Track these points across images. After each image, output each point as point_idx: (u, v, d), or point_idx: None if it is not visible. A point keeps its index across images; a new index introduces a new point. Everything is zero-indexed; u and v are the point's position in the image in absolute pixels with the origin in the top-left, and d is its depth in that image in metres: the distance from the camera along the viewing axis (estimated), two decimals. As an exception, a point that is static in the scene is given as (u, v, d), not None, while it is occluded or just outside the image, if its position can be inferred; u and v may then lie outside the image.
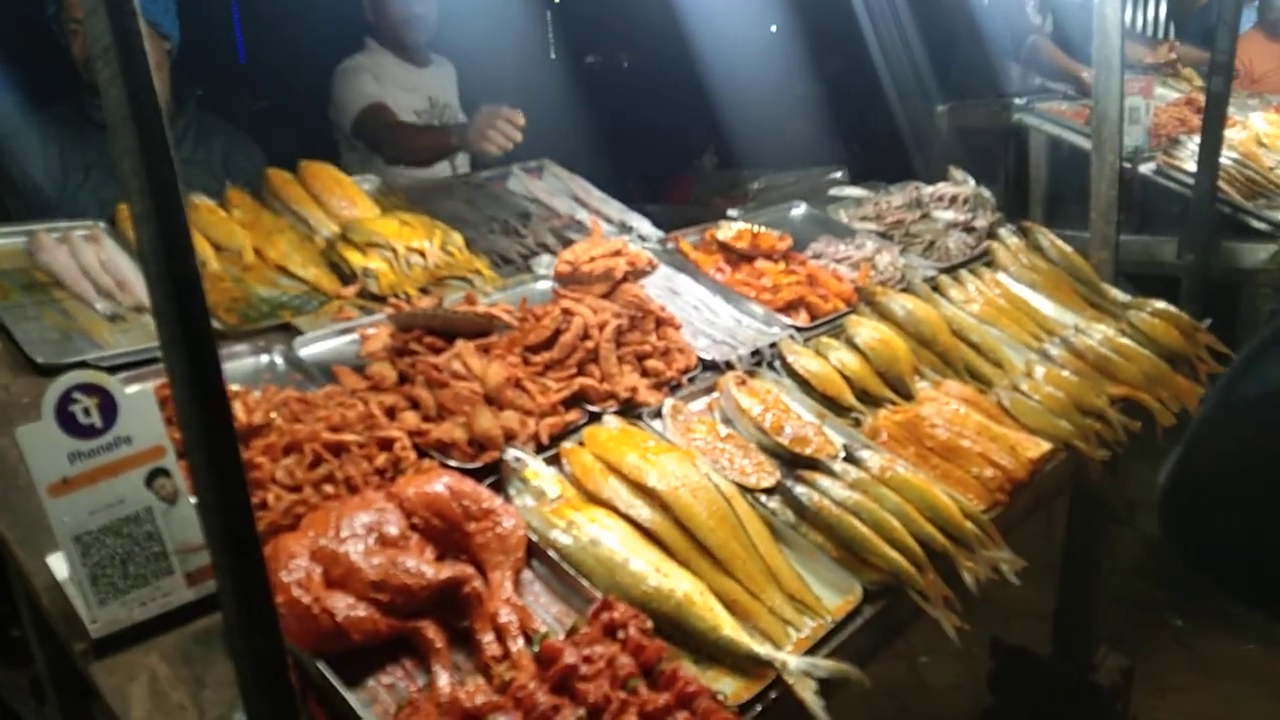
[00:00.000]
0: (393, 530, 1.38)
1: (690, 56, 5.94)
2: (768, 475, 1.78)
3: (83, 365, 1.68)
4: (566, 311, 1.95)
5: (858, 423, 2.05)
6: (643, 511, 1.58)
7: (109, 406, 1.25)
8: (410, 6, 3.33)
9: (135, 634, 1.27)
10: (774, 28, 7.36)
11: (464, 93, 3.64)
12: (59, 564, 1.31)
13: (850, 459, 1.87)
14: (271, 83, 5.10)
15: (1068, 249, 3.01)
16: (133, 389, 1.28)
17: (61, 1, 2.42)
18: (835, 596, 1.59)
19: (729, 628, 1.42)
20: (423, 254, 2.23)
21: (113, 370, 1.69)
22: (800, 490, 1.72)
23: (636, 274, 2.09)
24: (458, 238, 2.36)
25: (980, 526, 1.78)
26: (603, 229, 2.69)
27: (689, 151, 6.79)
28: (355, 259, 2.15)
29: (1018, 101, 4.52)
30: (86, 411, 1.23)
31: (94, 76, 2.39)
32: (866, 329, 2.25)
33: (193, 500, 1.29)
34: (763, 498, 1.73)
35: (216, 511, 1.07)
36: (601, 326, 1.94)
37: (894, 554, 1.62)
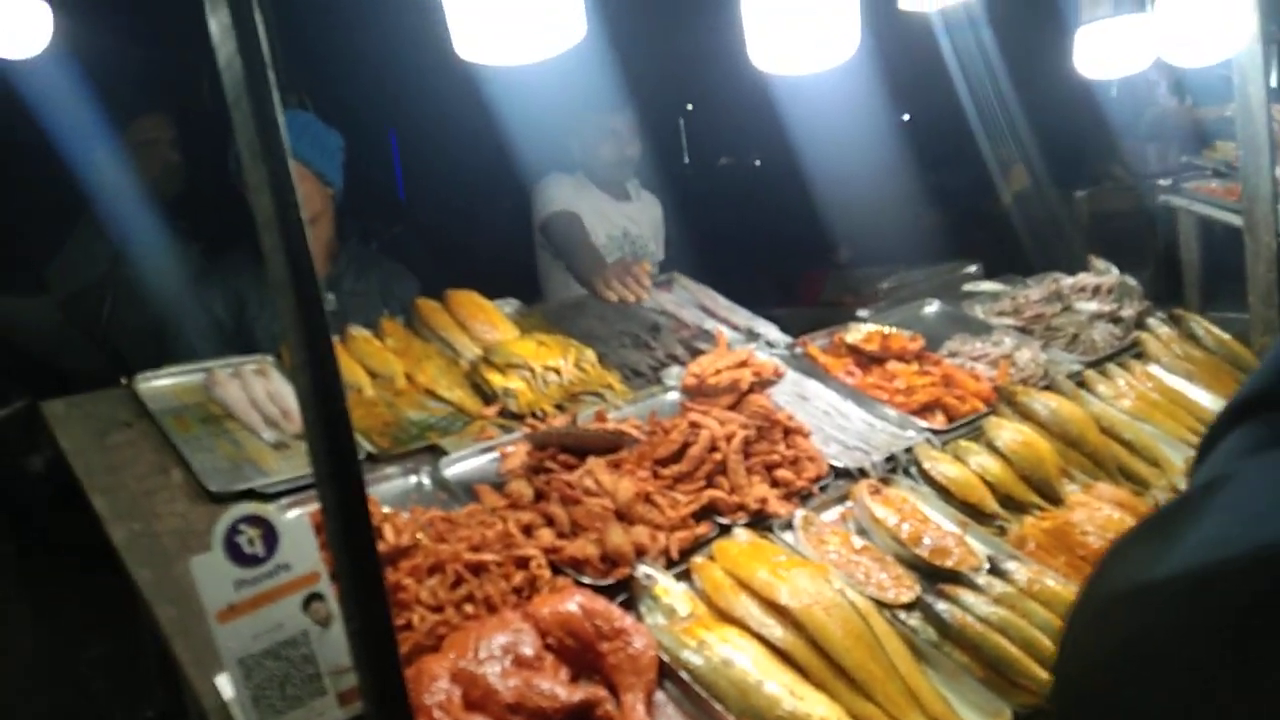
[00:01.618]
0: (528, 651, 1.42)
1: (821, 154, 6.00)
2: (907, 590, 1.73)
3: (250, 493, 1.83)
4: (694, 424, 1.98)
5: (1002, 531, 1.97)
6: (775, 631, 1.56)
7: (270, 536, 1.35)
8: (622, 150, 3.57)
9: (292, 753, 1.34)
10: (906, 117, 7.37)
11: None
12: (225, 685, 1.41)
13: (995, 571, 1.79)
14: (428, 217, 5.49)
15: (1225, 336, 2.84)
16: (293, 513, 1.39)
17: (240, 159, 2.70)
18: (983, 720, 1.51)
19: (869, 755, 1.37)
20: (558, 371, 2.32)
21: (277, 495, 1.84)
22: (942, 606, 1.66)
23: (763, 384, 2.11)
24: (591, 354, 2.45)
25: (1143, 644, 1.66)
26: (729, 337, 2.73)
27: (822, 248, 6.81)
28: (496, 380, 2.26)
29: (1162, 182, 4.34)
30: (250, 542, 1.34)
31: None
32: (1008, 430, 2.18)
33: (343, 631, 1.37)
34: (902, 614, 1.68)
35: (362, 639, 1.14)
36: (729, 438, 1.96)
37: (1045, 674, 1.54)
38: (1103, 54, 2.57)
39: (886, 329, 2.67)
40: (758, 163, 8.29)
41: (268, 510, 1.36)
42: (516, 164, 4.82)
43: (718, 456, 1.93)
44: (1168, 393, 2.56)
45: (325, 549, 1.53)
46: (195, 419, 2.03)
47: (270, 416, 2.05)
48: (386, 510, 1.77)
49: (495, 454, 2.06)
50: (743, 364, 2.14)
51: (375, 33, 4.88)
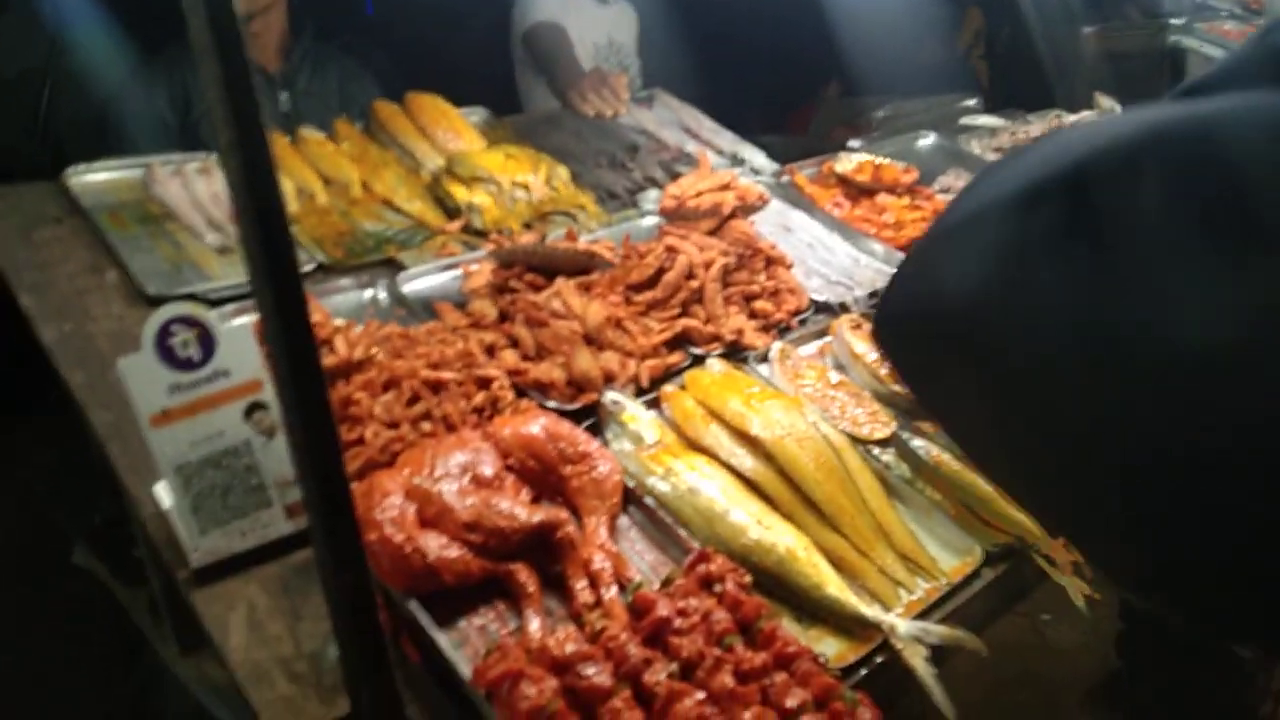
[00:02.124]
0: (488, 471, 1.35)
1: None
2: (882, 426, 1.67)
3: (191, 297, 1.70)
4: (671, 249, 1.87)
5: (982, 371, 1.91)
6: (745, 461, 1.50)
7: (207, 340, 1.24)
8: None
9: (235, 564, 1.28)
10: None
11: None
12: (164, 493, 1.33)
13: (973, 410, 1.73)
14: (398, 36, 5.12)
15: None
16: (238, 321, 1.27)
17: None
18: (952, 558, 1.48)
19: (834, 586, 1.34)
20: (527, 188, 2.18)
21: (220, 302, 1.71)
22: (917, 443, 1.61)
23: (746, 209, 1.99)
24: (563, 172, 2.29)
25: (1116, 488, 1.63)
26: (713, 162, 2.58)
27: (812, 79, 6.50)
28: (460, 193, 2.11)
29: (1174, 21, 4.11)
30: (185, 344, 1.23)
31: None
32: (996, 270, 2.08)
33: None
34: (875, 450, 1.63)
35: (306, 450, 1.05)
36: (707, 265, 1.85)
37: (1019, 514, 1.50)
38: None
39: (878, 159, 2.52)
40: None
41: (202, 312, 1.24)
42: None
43: (694, 284, 1.83)
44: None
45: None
46: (132, 218, 1.88)
47: (214, 219, 1.90)
48: (339, 323, 1.66)
49: (457, 271, 1.94)
50: (725, 187, 2.00)
51: None
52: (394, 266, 1.93)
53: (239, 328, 1.27)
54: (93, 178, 1.95)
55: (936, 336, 0.72)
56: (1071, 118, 2.94)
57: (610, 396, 1.57)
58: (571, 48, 3.13)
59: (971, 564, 1.46)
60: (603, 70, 2.93)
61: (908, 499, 1.56)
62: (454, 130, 2.33)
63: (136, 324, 1.63)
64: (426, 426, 1.46)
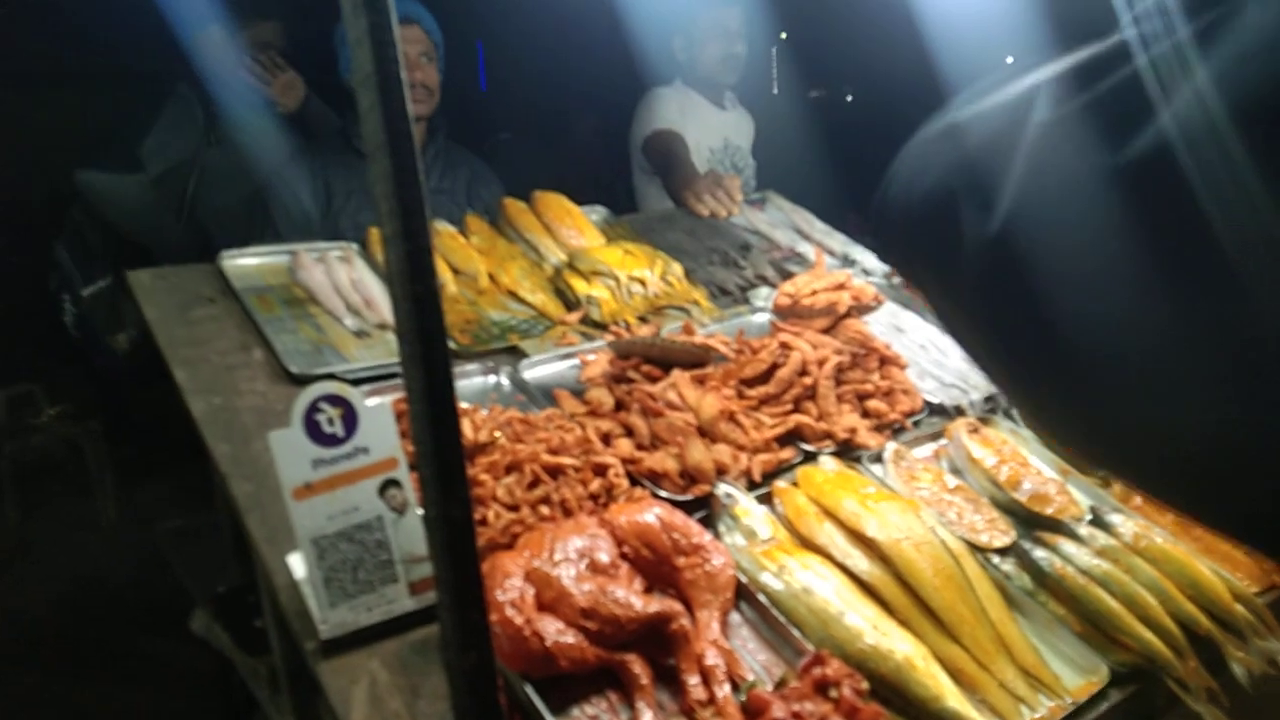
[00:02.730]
0: (604, 557, 1.37)
1: (916, 89, 5.77)
2: (1001, 534, 1.63)
3: (330, 378, 1.80)
4: (785, 345, 1.89)
5: (1106, 483, 1.85)
6: (860, 562, 1.48)
7: (350, 417, 1.32)
8: (731, 47, 3.41)
9: (360, 638, 1.32)
10: (1009, 60, 7.06)
11: None
12: (297, 564, 1.40)
13: (1098, 523, 1.68)
14: (511, 114, 5.42)
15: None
16: (372, 401, 1.34)
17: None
18: (1076, 676, 1.42)
19: (953, 698, 1.30)
20: (644, 283, 2.24)
21: (356, 383, 1.80)
22: (1040, 554, 1.56)
23: (861, 309, 2.00)
24: (677, 268, 2.36)
25: (1254, 611, 1.54)
26: (825, 262, 2.61)
27: None
28: (580, 286, 2.19)
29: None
30: (330, 421, 1.30)
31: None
32: (1118, 379, 2.03)
33: (420, 512, 1.34)
34: (995, 559, 1.59)
35: (442, 524, 1.09)
36: (821, 362, 1.87)
37: (1149, 634, 1.44)
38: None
39: (992, 264, 2.51)
40: (849, 98, 7.99)
41: (349, 391, 1.32)
42: (606, 79, 4.70)
43: (808, 380, 1.84)
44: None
45: (405, 437, 1.50)
46: (278, 300, 2.01)
47: (353, 304, 2.02)
48: (465, 406, 1.73)
49: (575, 360, 2.01)
50: (840, 286, 2.03)
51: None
52: (516, 354, 2.00)
53: (379, 407, 1.34)
54: (244, 262, 2.10)
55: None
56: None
57: (724, 489, 1.59)
58: (688, 152, 3.24)
59: (1097, 684, 1.40)
60: (717, 172, 3.03)
61: (1029, 612, 1.51)
62: (576, 227, 2.43)
63: (279, 400, 1.74)
64: (545, 510, 1.49)
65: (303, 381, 1.78)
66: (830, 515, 1.57)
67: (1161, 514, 1.77)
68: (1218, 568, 1.61)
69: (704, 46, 3.39)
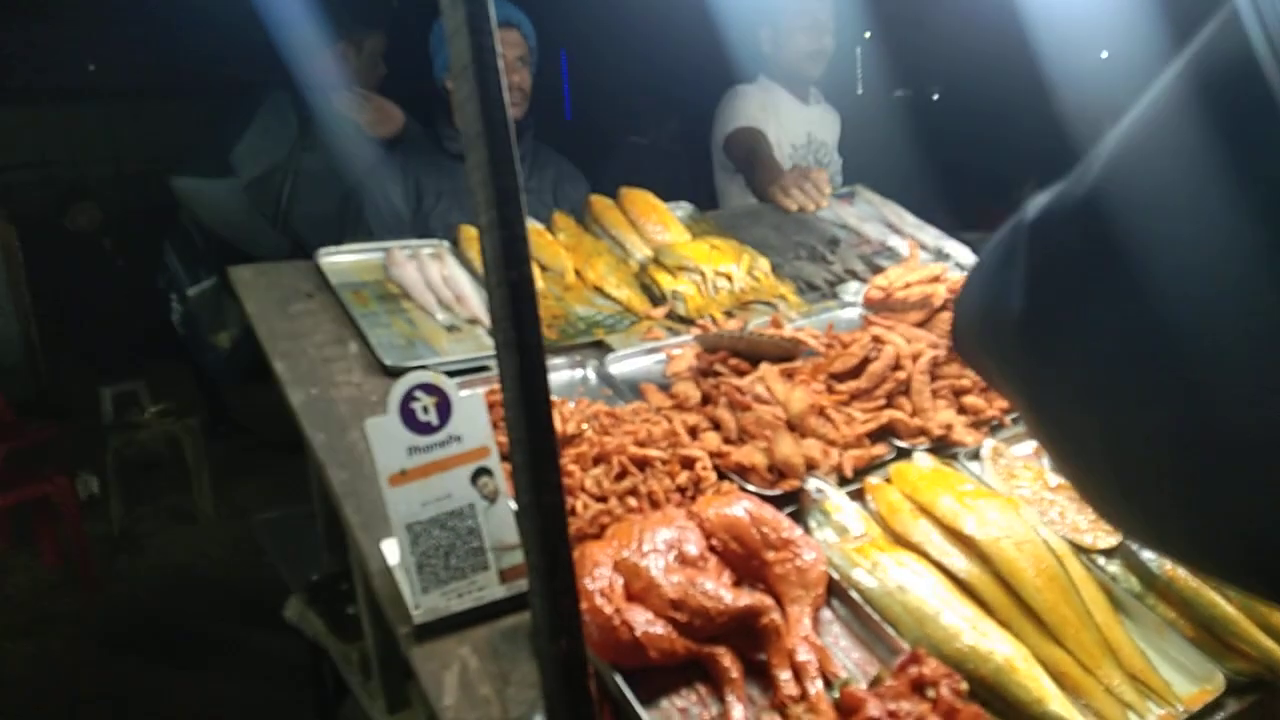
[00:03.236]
0: (692, 550, 1.36)
1: (1004, 88, 5.66)
2: (1106, 535, 1.56)
3: (422, 369, 1.83)
4: (877, 339, 1.85)
5: (1218, 484, 1.76)
6: (958, 561, 1.44)
7: (444, 406, 1.34)
8: (819, 40, 3.37)
9: (451, 624, 1.34)
10: (1104, 54, 6.84)
11: None
12: (391, 550, 1.42)
13: (1210, 525, 1.60)
14: (595, 142, 5.47)
15: None
16: (465, 393, 1.36)
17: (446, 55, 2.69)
18: (1189, 684, 1.35)
19: (1057, 702, 1.25)
20: (729, 278, 2.23)
21: (449, 375, 1.83)
22: (1148, 555, 1.49)
23: (956, 303, 1.94)
24: (764, 263, 2.33)
25: (1388, 623, 1.44)
26: (919, 256, 2.56)
27: (1006, 184, 6.41)
28: (665, 281, 2.19)
29: None
30: (425, 410, 1.32)
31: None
32: (1232, 376, 1.93)
33: (511, 503, 1.35)
34: (1100, 560, 1.52)
35: (534, 512, 1.09)
36: (915, 357, 1.82)
37: (1269, 642, 1.36)
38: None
39: (1093, 258, 2.42)
40: (935, 97, 7.84)
41: (443, 380, 1.34)
42: (687, 79, 4.69)
43: (901, 375, 1.80)
44: None
45: (497, 429, 1.51)
46: (373, 296, 2.05)
47: (444, 299, 2.05)
48: (553, 399, 1.74)
49: (661, 355, 2.00)
50: (935, 280, 1.97)
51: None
52: (603, 349, 2.01)
53: (472, 397, 1.36)
54: (340, 259, 2.16)
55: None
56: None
57: (814, 484, 1.56)
58: (771, 149, 3.21)
59: (1212, 692, 1.33)
60: (803, 166, 2.99)
61: (1137, 616, 1.44)
62: (662, 223, 2.43)
63: (374, 391, 1.78)
64: (632, 502, 1.49)
65: (396, 374, 1.81)
66: (926, 512, 1.52)
67: None
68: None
69: (792, 37, 3.34)
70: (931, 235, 2.64)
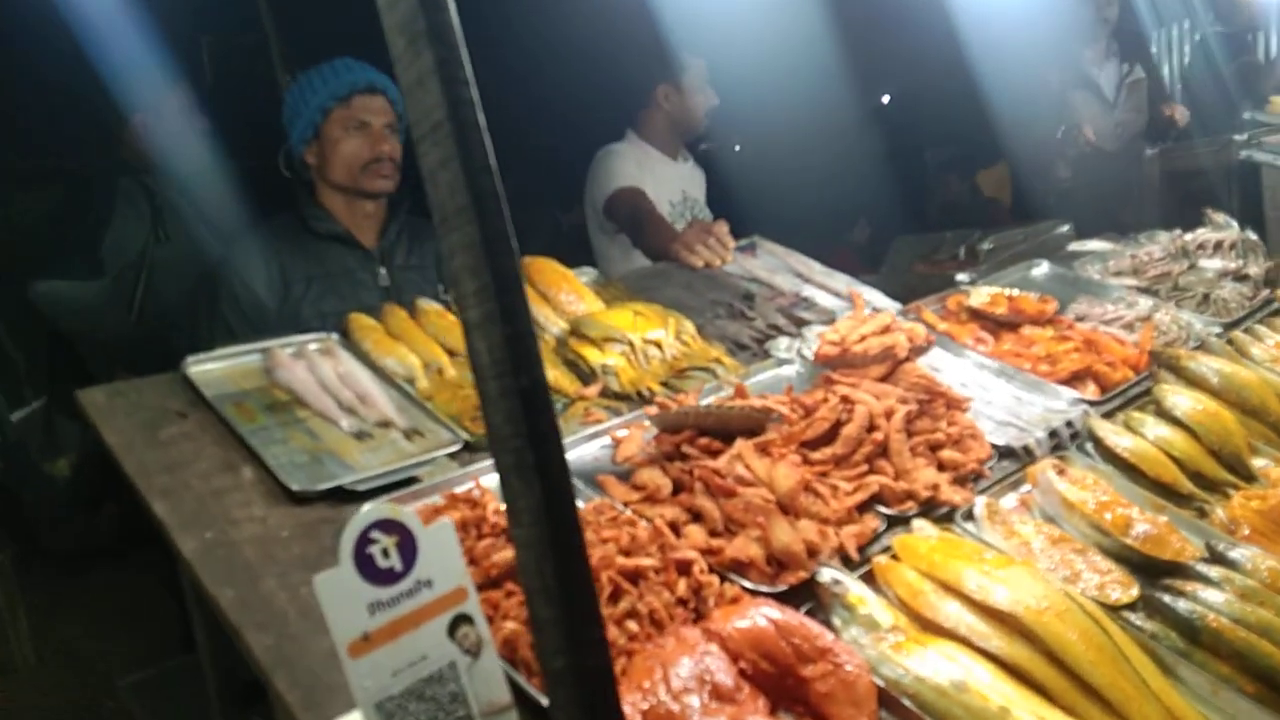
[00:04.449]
0: (725, 679, 1.14)
1: (802, 133, 5.97)
2: (1124, 588, 1.46)
3: (338, 491, 1.54)
4: (845, 399, 1.71)
5: (1202, 514, 1.71)
6: (1000, 643, 1.28)
7: (408, 545, 1.07)
8: (712, 99, 3.36)
9: (443, 819, 1.06)
10: (886, 99, 7.38)
11: None
12: (354, 734, 1.13)
13: (1219, 560, 1.52)
14: None
15: (1370, 291, 2.58)
16: (437, 523, 1.10)
17: (328, 112, 2.39)
18: (1260, 745, 1.24)
19: (1156, 797, 1.10)
20: (659, 345, 2.04)
21: (367, 495, 1.55)
22: (1184, 606, 1.39)
23: (916, 351, 1.84)
24: (690, 325, 2.17)
25: None
26: (831, 305, 2.46)
27: (835, 225, 6.64)
28: (592, 355, 1.98)
29: (1238, 138, 4.09)
30: (385, 553, 1.05)
31: (366, 179, 2.33)
32: (1185, 399, 1.91)
33: (495, 654, 1.10)
34: (1131, 618, 1.41)
35: (573, 679, 0.86)
36: (889, 414, 1.69)
37: (1333, 688, 1.27)
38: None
39: (1010, 291, 2.39)
40: (737, 148, 8.03)
41: (403, 513, 1.07)
42: (553, 142, 4.55)
43: (878, 437, 1.66)
44: (1328, 355, 2.29)
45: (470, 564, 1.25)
46: (259, 407, 1.73)
47: (346, 402, 1.76)
48: (500, 506, 1.49)
49: (606, 439, 1.78)
50: (887, 329, 1.86)
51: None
52: (539, 440, 1.77)
53: (440, 528, 1.10)
54: (211, 366, 1.83)
55: None
56: (1189, 236, 2.83)
57: (829, 575, 1.37)
58: (654, 206, 3.09)
59: (1286, 752, 1.22)
60: (704, 221, 2.88)
61: (1187, 677, 1.33)
62: (574, 292, 2.22)
63: (283, 526, 1.47)
64: (633, 626, 1.26)
65: (306, 499, 1.51)
66: (951, 590, 1.37)
67: (1274, 542, 1.63)
68: (1361, 597, 1.46)
69: (693, 96, 3.32)
70: (842, 282, 2.56)
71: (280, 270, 2.41)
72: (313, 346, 1.93)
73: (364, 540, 1.05)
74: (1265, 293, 2.62)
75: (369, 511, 1.05)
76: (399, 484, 1.58)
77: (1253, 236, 2.84)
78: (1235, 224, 2.88)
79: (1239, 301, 2.56)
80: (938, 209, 7.27)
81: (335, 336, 2.01)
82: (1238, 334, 2.32)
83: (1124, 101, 4.54)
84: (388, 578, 1.05)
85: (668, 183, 3.35)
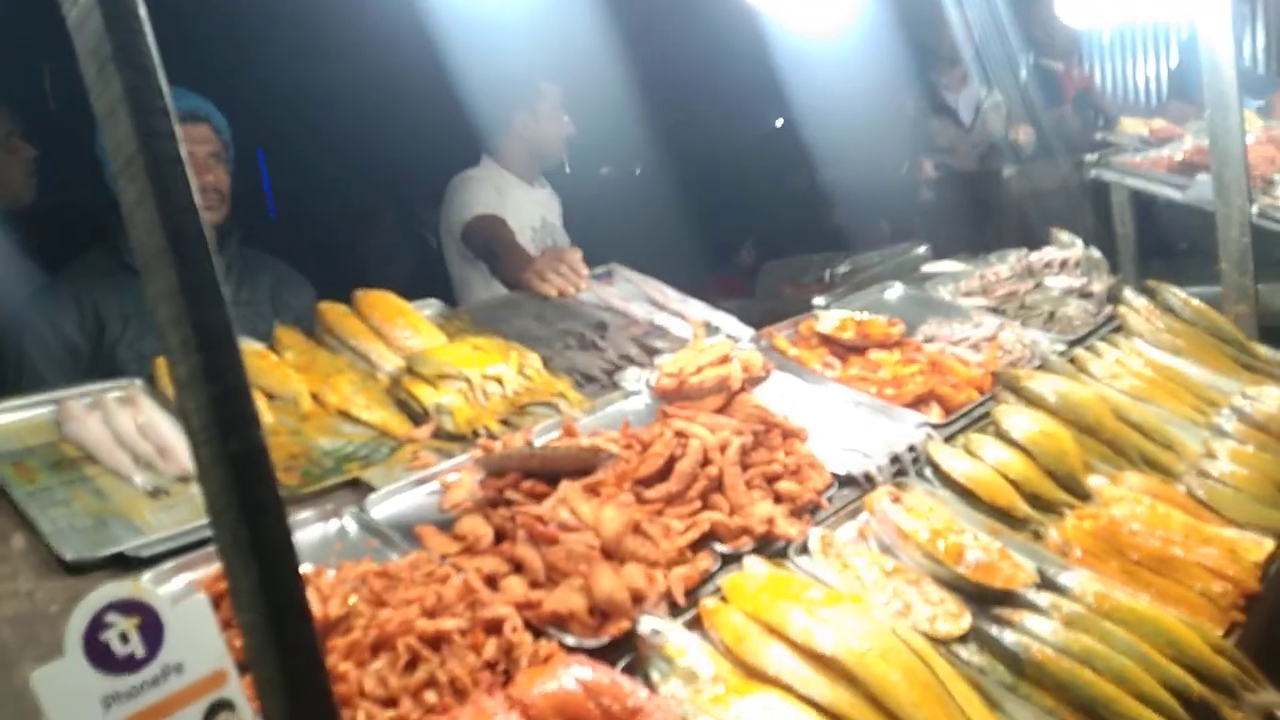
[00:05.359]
0: (523, 752, 1.06)
1: (707, 160, 6.04)
2: (954, 619, 1.43)
3: (120, 558, 1.40)
4: (680, 434, 1.65)
5: (1037, 536, 1.71)
6: (823, 690, 1.24)
7: (153, 626, 0.95)
8: (568, 128, 3.33)
9: None
10: (779, 122, 7.52)
11: None
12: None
13: (1049, 585, 1.52)
14: (303, 238, 5.04)
15: (1202, 306, 2.69)
16: (178, 581, 0.99)
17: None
18: (1083, 777, 1.22)
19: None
20: (500, 381, 1.95)
21: (157, 559, 1.41)
22: (1010, 638, 1.37)
23: (753, 381, 1.80)
24: (535, 359, 2.08)
25: (1235, 662, 1.41)
26: (683, 332, 2.41)
27: (723, 250, 6.70)
28: (425, 394, 1.88)
29: (1089, 158, 4.26)
30: (124, 638, 0.93)
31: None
32: (1022, 419, 1.92)
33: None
34: (959, 650, 1.39)
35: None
36: (723, 447, 1.64)
37: (1150, 714, 1.27)
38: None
39: (859, 315, 2.39)
40: (638, 171, 8.08)
41: (145, 590, 0.95)
42: (405, 168, 4.42)
43: (712, 471, 1.60)
44: (1162, 370, 2.36)
45: (231, 628, 1.13)
46: (42, 465, 1.58)
47: (142, 455, 1.62)
48: (305, 569, 1.37)
49: (434, 485, 1.68)
50: (724, 360, 1.82)
51: (238, 47, 4.45)
52: (360, 488, 1.66)
53: (190, 605, 0.98)
54: (-7, 421, 1.66)
55: None
56: (1035, 255, 2.90)
57: (649, 625, 1.30)
58: (513, 235, 3.02)
59: (1108, 781, 1.21)
60: (556, 248, 2.82)
61: (1012, 710, 1.31)
62: (411, 326, 2.11)
63: (53, 600, 1.32)
64: (431, 697, 1.16)
65: (83, 569, 1.37)
66: (776, 633, 1.32)
67: (1104, 564, 1.64)
68: (1183, 616, 1.48)
69: (549, 122, 3.28)
70: (697, 309, 2.52)
71: (94, 309, 2.24)
72: (113, 395, 1.78)
73: (96, 625, 0.93)
74: (1108, 309, 2.69)
75: (101, 593, 0.93)
76: (192, 545, 1.45)
77: (1096, 254, 2.92)
78: (1080, 242, 2.97)
79: (1083, 319, 2.62)
80: (816, 233, 7.41)
81: (140, 382, 1.86)
82: (1079, 351, 2.37)
83: (980, 125, 4.69)
84: (127, 666, 0.93)
85: (527, 209, 3.29)
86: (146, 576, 1.34)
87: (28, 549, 1.41)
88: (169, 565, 1.38)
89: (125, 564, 1.40)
